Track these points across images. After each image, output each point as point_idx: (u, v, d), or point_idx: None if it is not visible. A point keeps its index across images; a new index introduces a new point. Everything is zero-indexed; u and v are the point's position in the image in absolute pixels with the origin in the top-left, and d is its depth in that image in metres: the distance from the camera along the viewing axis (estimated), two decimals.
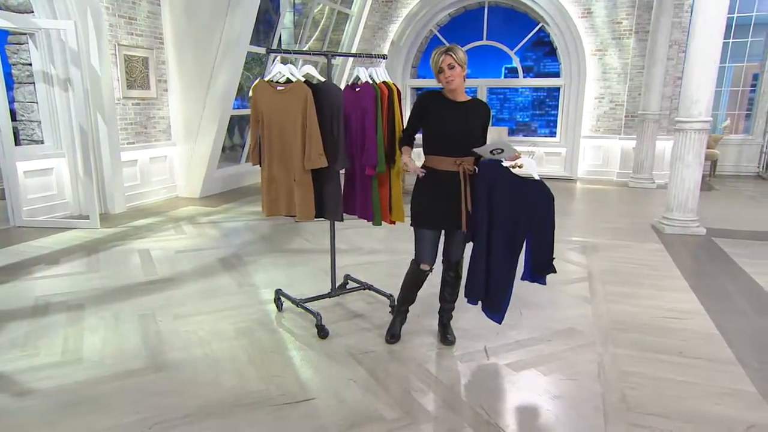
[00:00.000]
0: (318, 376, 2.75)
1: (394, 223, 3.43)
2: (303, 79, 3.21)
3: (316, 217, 3.35)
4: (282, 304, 3.65)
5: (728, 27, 5.48)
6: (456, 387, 2.67)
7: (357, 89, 3.29)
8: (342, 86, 3.37)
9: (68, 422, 2.34)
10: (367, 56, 3.67)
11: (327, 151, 3.17)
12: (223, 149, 7.98)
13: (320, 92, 3.17)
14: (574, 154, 9.95)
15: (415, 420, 2.37)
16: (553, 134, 10.54)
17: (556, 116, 10.38)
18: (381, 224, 3.43)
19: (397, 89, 3.31)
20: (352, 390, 2.61)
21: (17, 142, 6.10)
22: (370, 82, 3.27)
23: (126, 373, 2.77)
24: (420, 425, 2.33)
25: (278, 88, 3.19)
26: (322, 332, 3.21)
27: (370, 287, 3.77)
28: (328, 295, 3.66)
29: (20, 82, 6.20)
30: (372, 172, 3.25)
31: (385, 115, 3.25)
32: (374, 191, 3.37)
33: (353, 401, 2.51)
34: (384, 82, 3.31)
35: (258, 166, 3.37)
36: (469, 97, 2.92)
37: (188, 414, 2.39)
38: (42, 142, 6.25)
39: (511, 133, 10.87)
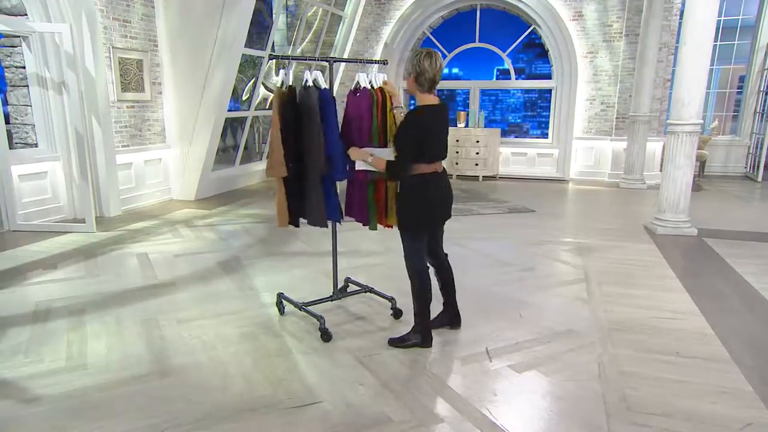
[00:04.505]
0: (324, 379, 2.79)
1: (391, 227, 3.47)
2: (282, 85, 3.21)
3: (295, 222, 3.39)
4: (284, 308, 3.68)
5: (715, 30, 5.58)
6: (460, 388, 2.71)
7: (357, 94, 3.33)
8: (334, 90, 3.39)
9: (78, 429, 2.35)
10: (366, 62, 3.70)
11: (308, 157, 3.19)
12: (217, 151, 7.97)
13: (301, 97, 3.21)
14: (566, 155, 10.05)
15: (423, 422, 2.41)
16: (545, 135, 10.65)
17: (548, 118, 10.49)
18: (377, 228, 3.48)
19: (383, 95, 3.31)
20: (359, 393, 2.65)
21: (11, 146, 6.05)
22: (368, 87, 3.31)
23: (133, 378, 2.78)
24: (428, 427, 2.38)
25: None
26: (326, 336, 3.24)
27: (371, 290, 3.81)
28: (330, 299, 3.69)
29: (13, 85, 6.16)
30: (367, 177, 3.29)
31: (380, 121, 3.29)
32: (370, 195, 3.41)
33: (360, 404, 2.55)
34: (380, 88, 3.35)
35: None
36: (416, 105, 2.98)
37: (198, 419, 2.41)
38: (36, 145, 6.21)
39: (504, 134, 10.95)
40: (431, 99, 2.92)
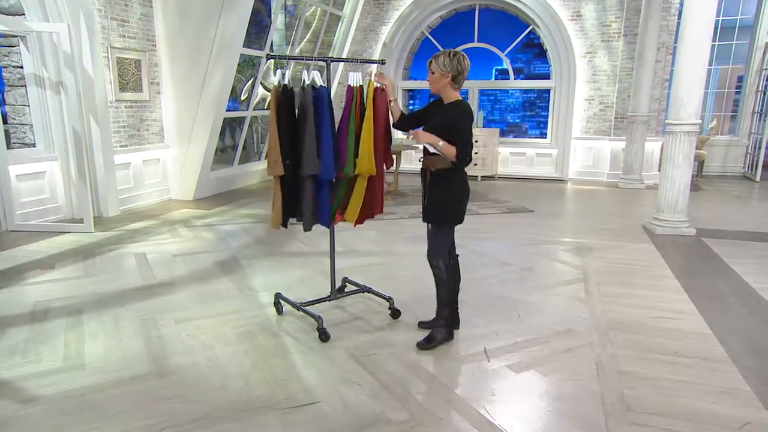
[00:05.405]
0: (322, 379, 2.78)
1: (344, 220, 3.48)
2: (278, 84, 3.21)
3: (284, 223, 3.36)
4: (282, 308, 3.67)
5: (713, 30, 5.59)
6: (458, 388, 2.71)
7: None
8: (332, 90, 3.38)
9: (76, 429, 2.35)
10: (363, 62, 3.70)
11: (300, 156, 3.18)
12: (216, 151, 7.96)
13: (300, 97, 3.20)
14: (564, 155, 10.05)
15: (421, 422, 2.41)
16: (543, 135, 10.65)
17: (547, 117, 10.50)
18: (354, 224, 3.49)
19: (360, 95, 3.29)
20: (357, 393, 2.65)
21: (9, 146, 6.04)
22: (354, 86, 3.30)
23: (130, 378, 2.78)
24: (426, 427, 2.37)
25: None
26: (324, 336, 3.24)
27: (369, 290, 3.80)
28: (328, 299, 3.68)
29: (11, 85, 6.15)
30: (341, 174, 3.29)
31: (357, 120, 3.28)
32: (340, 194, 3.41)
33: (358, 404, 2.55)
34: (360, 86, 3.33)
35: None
36: (453, 100, 2.98)
37: (196, 419, 2.41)
38: (34, 145, 6.20)
39: (503, 134, 10.96)
40: (458, 96, 3.00)
